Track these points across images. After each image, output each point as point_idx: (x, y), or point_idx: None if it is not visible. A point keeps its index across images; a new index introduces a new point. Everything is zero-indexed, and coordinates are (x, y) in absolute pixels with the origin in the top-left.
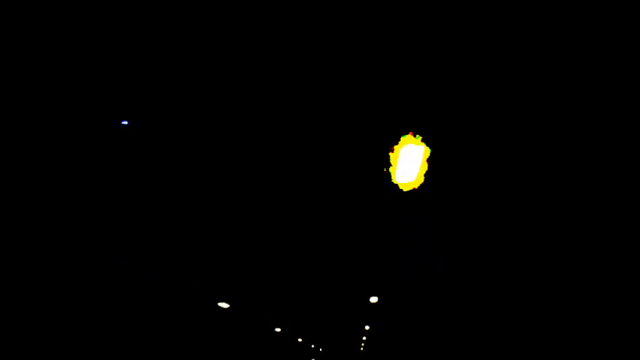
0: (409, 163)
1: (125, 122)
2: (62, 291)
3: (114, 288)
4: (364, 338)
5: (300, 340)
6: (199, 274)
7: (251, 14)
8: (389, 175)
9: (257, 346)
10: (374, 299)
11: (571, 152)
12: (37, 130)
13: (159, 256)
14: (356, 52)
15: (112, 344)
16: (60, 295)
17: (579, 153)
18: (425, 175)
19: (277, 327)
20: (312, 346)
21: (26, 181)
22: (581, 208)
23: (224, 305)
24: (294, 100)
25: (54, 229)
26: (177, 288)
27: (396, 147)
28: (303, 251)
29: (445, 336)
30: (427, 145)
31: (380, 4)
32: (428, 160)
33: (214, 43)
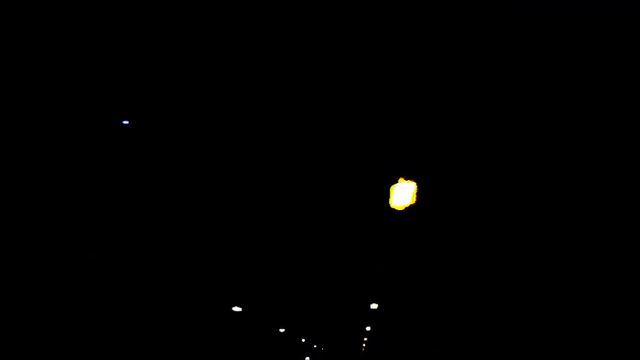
0: (402, 195)
1: (126, 122)
2: (57, 290)
3: (107, 287)
4: (367, 328)
5: (282, 330)
6: (199, 274)
7: (251, 14)
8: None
9: (248, 344)
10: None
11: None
12: (37, 130)
13: (155, 254)
14: (356, 52)
15: (104, 343)
16: (54, 294)
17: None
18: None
19: (265, 321)
20: (303, 340)
21: (25, 181)
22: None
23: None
24: (297, 102)
25: (52, 228)
26: (172, 287)
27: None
28: (297, 247)
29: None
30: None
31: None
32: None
33: (214, 43)
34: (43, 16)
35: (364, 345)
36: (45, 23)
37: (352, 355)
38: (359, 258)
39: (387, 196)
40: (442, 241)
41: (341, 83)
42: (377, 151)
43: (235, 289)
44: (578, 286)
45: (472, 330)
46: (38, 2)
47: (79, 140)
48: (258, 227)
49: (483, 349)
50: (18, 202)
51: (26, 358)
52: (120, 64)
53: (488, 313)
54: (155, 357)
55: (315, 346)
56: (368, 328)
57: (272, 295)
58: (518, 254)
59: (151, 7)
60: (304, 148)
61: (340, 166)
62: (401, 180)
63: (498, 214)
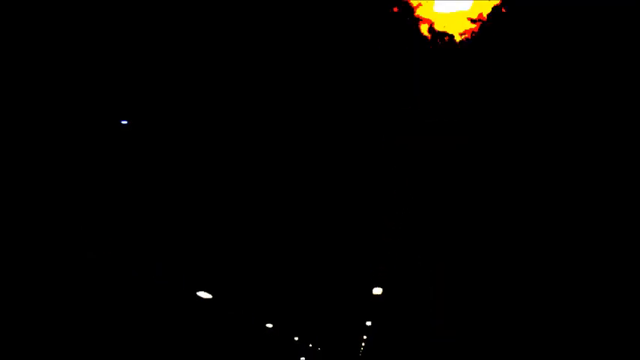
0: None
1: (125, 122)
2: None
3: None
4: (368, 323)
5: (269, 325)
6: (192, 268)
7: (251, 14)
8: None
9: (240, 342)
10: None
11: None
12: (37, 130)
13: (155, 254)
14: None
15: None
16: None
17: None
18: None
19: (264, 321)
20: (296, 338)
21: (25, 180)
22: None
23: (207, 296)
24: (295, 100)
25: (53, 228)
26: (172, 287)
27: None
28: (294, 243)
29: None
30: None
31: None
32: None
33: (214, 43)
34: (43, 16)
35: (363, 344)
36: (45, 23)
37: (351, 355)
38: (357, 252)
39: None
40: (442, 239)
41: (341, 83)
42: (376, 146)
43: (227, 286)
44: (579, 286)
45: (472, 330)
46: (38, 2)
47: (79, 140)
48: (253, 224)
49: (484, 349)
50: (18, 202)
51: (26, 358)
52: (120, 64)
53: (489, 312)
54: (153, 356)
55: (310, 346)
56: (368, 323)
57: (266, 292)
58: (520, 253)
59: (150, 7)
60: (302, 145)
61: (339, 159)
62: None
63: (502, 212)
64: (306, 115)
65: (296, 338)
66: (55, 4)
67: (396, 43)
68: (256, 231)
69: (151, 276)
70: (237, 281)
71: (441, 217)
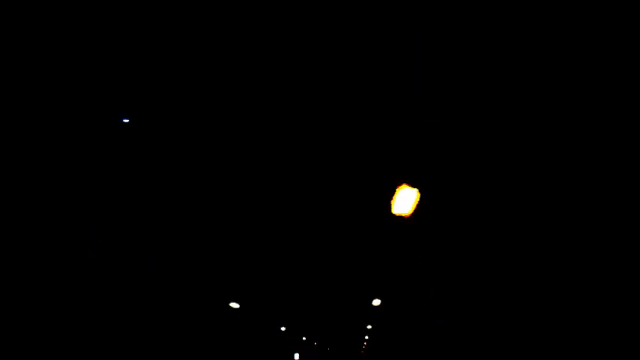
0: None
1: (125, 120)
2: (55, 288)
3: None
4: (376, 302)
5: (234, 305)
6: (197, 270)
7: (250, 14)
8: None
9: (234, 338)
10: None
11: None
12: (37, 130)
13: (154, 253)
14: (352, 53)
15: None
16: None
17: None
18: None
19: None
20: (283, 328)
21: (25, 180)
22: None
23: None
24: (298, 103)
25: (53, 228)
26: (172, 287)
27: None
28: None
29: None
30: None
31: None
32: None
33: (213, 42)
34: (43, 15)
35: (366, 339)
36: (45, 23)
37: (351, 350)
38: (356, 252)
39: (386, 192)
40: (443, 244)
41: (342, 84)
42: (380, 150)
43: (211, 277)
44: (579, 286)
45: (472, 330)
46: (38, 2)
47: (78, 139)
48: (249, 219)
49: (484, 349)
50: (18, 202)
51: (26, 358)
52: (119, 63)
53: (489, 312)
54: (151, 354)
55: (304, 339)
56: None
57: (247, 276)
58: (520, 256)
59: (150, 7)
60: (305, 148)
61: (342, 164)
62: (404, 186)
63: (502, 217)
64: (306, 115)
65: (283, 328)
66: (54, 3)
67: (396, 43)
68: (248, 222)
69: (157, 277)
70: (214, 263)
71: (440, 217)
